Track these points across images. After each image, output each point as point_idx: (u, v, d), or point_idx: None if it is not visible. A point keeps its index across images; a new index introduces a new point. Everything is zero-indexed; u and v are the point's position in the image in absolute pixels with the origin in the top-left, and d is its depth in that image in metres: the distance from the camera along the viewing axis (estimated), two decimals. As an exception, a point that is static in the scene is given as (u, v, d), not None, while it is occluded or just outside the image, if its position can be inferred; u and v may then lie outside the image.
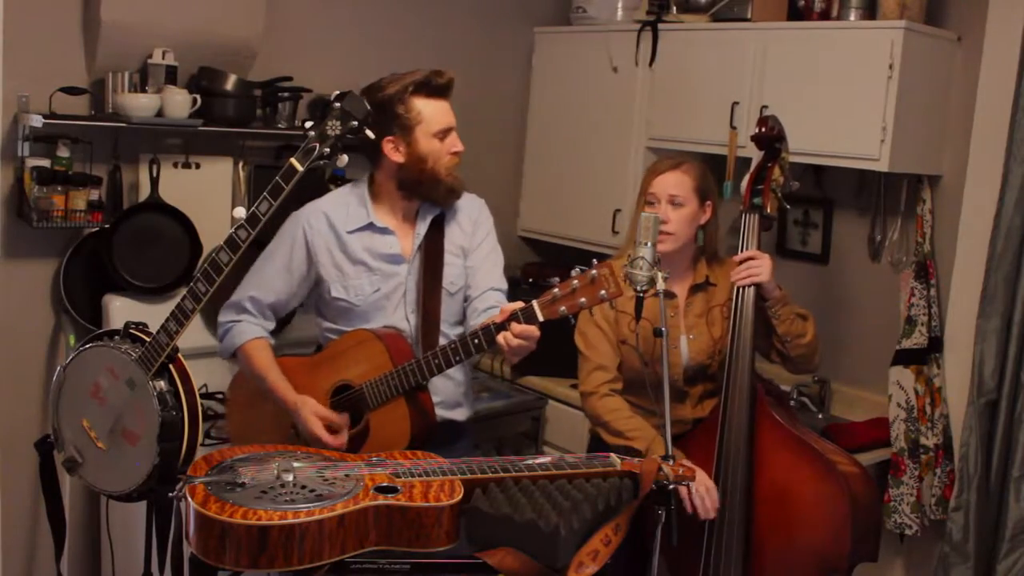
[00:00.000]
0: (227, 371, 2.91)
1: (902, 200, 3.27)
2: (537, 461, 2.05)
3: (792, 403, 3.28)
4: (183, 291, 2.21)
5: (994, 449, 3.01)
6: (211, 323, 2.91)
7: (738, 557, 2.37)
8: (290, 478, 1.88)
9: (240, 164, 3.21)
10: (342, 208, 2.45)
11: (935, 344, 3.13)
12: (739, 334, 2.44)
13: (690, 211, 2.52)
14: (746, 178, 2.59)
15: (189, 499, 1.80)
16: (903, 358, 3.12)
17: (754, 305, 2.44)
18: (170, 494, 1.89)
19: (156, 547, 2.24)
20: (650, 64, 3.53)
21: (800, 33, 3.14)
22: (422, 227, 2.45)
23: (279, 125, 3.22)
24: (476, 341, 2.14)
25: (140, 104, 2.87)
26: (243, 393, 2.58)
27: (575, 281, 2.00)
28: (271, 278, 2.46)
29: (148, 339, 2.21)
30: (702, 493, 2.27)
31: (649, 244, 2.09)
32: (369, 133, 2.19)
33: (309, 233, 2.43)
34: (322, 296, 2.48)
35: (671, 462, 2.01)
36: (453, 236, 2.48)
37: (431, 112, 2.36)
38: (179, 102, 2.93)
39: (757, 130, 2.56)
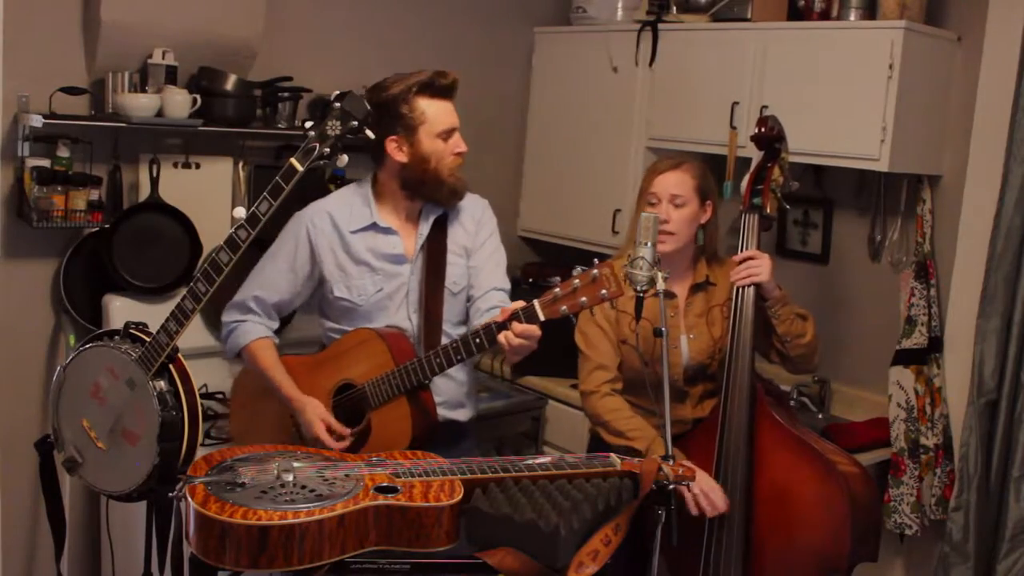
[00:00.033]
0: (227, 371, 2.91)
1: (902, 200, 3.27)
2: (537, 461, 2.04)
3: (792, 403, 3.28)
4: (183, 291, 2.21)
5: (994, 449, 3.01)
6: (211, 323, 2.91)
7: (738, 557, 2.37)
8: (290, 478, 1.88)
9: (240, 164, 3.21)
10: (346, 208, 2.45)
11: (935, 344, 3.13)
12: (739, 334, 2.44)
13: (691, 211, 2.52)
14: (746, 178, 2.58)
15: (189, 499, 1.80)
16: (903, 358, 3.12)
17: (754, 305, 2.44)
18: (170, 494, 1.89)
19: (156, 547, 2.24)
20: (650, 64, 3.53)
21: (800, 33, 3.14)
22: (425, 227, 2.45)
23: (279, 125, 3.21)
24: (477, 340, 2.14)
25: (140, 104, 2.87)
26: (246, 392, 2.59)
27: (576, 280, 2.00)
28: (275, 278, 2.46)
29: (148, 339, 2.21)
30: (705, 492, 2.27)
31: (649, 244, 2.09)
32: (369, 133, 2.19)
33: (313, 233, 2.43)
34: (325, 296, 2.48)
35: (671, 462, 2.01)
36: (456, 236, 2.48)
37: (435, 112, 2.36)
38: (179, 102, 2.93)
39: (757, 130, 2.56)
